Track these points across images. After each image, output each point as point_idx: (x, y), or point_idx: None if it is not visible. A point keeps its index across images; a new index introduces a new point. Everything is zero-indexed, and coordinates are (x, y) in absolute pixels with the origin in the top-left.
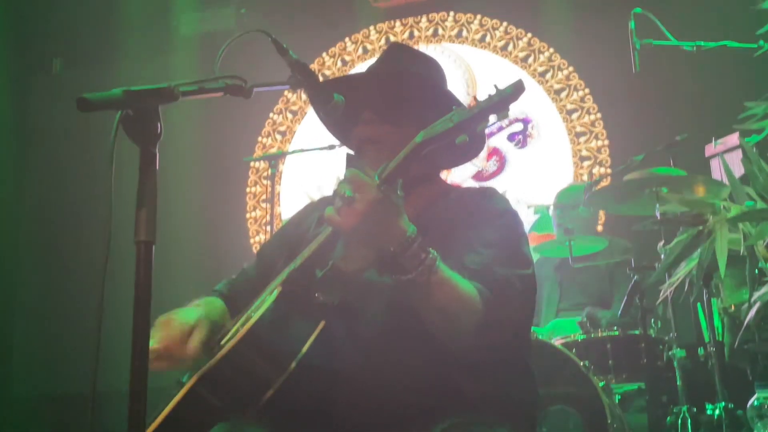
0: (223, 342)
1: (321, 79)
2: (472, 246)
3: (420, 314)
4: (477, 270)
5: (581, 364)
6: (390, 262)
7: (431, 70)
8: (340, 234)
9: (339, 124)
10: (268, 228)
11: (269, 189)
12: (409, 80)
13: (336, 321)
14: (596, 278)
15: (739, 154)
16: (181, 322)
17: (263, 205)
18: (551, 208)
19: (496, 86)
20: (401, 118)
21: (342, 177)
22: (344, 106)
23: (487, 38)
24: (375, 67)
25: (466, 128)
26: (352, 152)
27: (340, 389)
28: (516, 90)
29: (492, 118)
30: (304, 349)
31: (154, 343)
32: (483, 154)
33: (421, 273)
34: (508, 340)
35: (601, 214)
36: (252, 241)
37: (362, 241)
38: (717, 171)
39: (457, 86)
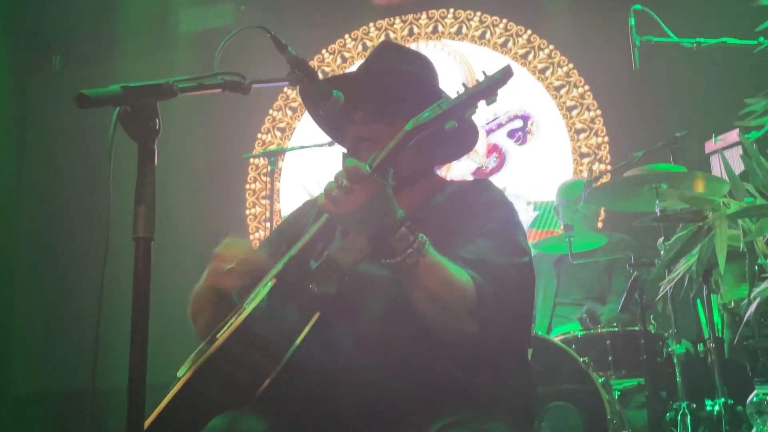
0: (218, 335)
1: (320, 75)
2: (468, 238)
3: (410, 301)
4: (473, 260)
5: (581, 360)
6: (380, 246)
7: (421, 67)
8: (335, 221)
9: (333, 123)
10: (268, 224)
11: (269, 185)
12: (399, 78)
13: (332, 313)
14: (596, 274)
15: (739, 150)
16: (241, 240)
17: (263, 201)
18: (561, 201)
19: (484, 72)
20: (393, 115)
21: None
22: (342, 104)
23: (487, 35)
24: (365, 66)
25: (455, 114)
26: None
27: (338, 381)
28: (504, 75)
29: (481, 104)
30: (299, 340)
31: (228, 265)
32: (483, 150)
33: (410, 255)
34: (507, 331)
35: (601, 210)
36: (252, 237)
37: (355, 227)
38: (717, 167)
39: (456, 83)
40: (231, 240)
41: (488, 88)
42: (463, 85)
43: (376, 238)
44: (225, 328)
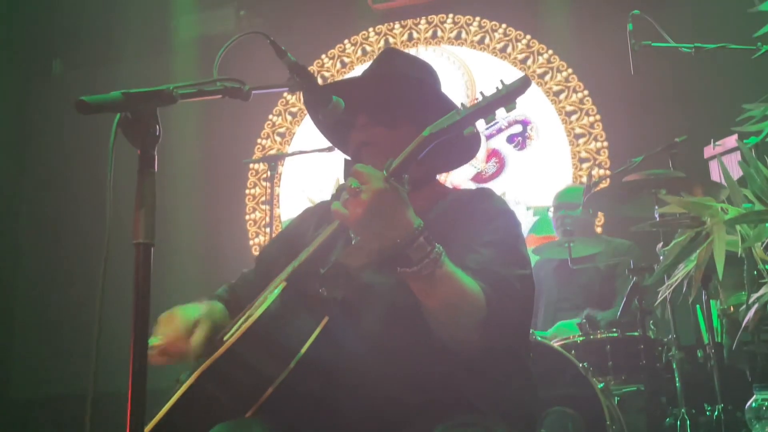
0: (225, 338)
1: (320, 80)
2: (472, 246)
3: (423, 309)
4: (477, 269)
5: (580, 365)
6: (396, 255)
7: (425, 73)
8: (346, 227)
9: (335, 128)
10: (268, 230)
11: (268, 191)
12: (402, 83)
13: (339, 317)
14: (596, 279)
15: (737, 155)
16: (183, 318)
17: (263, 206)
18: (551, 210)
19: (502, 81)
20: (396, 120)
21: (343, 179)
22: (342, 109)
23: (486, 40)
24: (369, 71)
25: (474, 121)
26: (348, 157)
27: (342, 385)
28: (523, 84)
29: (500, 112)
30: (308, 344)
31: (156, 339)
32: (482, 155)
33: (427, 265)
34: (508, 340)
35: (600, 215)
36: (251, 242)
37: (369, 233)
38: (716, 173)
39: (456, 88)
40: (174, 311)
41: (507, 95)
42: (481, 93)
43: (392, 246)
44: (233, 331)
